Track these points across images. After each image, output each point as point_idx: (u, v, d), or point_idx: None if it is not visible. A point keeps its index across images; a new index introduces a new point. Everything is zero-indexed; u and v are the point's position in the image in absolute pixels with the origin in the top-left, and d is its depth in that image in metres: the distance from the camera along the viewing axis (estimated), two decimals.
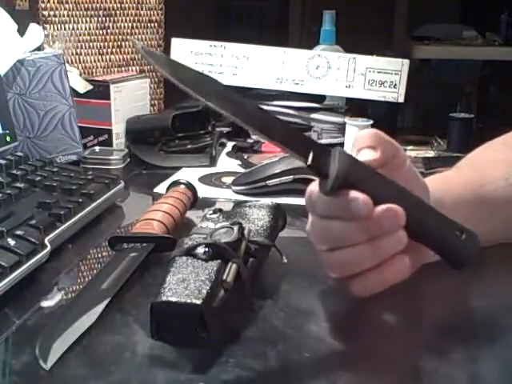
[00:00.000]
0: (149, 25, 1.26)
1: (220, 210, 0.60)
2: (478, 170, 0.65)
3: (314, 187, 0.51)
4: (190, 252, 0.50)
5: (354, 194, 0.48)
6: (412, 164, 0.54)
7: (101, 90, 1.07)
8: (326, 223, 0.51)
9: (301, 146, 0.49)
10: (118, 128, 1.07)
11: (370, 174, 0.50)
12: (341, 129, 1.15)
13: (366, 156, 0.51)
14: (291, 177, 0.85)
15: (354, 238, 0.50)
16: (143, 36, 1.26)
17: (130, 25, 1.24)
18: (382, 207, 0.49)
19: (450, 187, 0.61)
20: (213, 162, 1.02)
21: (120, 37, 1.23)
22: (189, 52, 1.19)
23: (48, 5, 1.12)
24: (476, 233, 0.54)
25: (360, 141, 0.52)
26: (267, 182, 0.86)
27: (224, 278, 0.48)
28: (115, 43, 1.22)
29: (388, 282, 0.52)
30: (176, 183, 0.75)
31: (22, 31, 0.97)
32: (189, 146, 1.05)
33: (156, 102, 1.29)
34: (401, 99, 1.16)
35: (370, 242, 0.50)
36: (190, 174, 0.95)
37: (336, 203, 0.50)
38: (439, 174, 0.65)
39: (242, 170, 0.95)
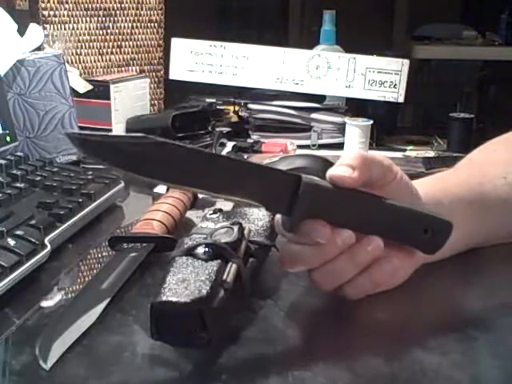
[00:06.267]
0: (149, 25, 1.26)
1: (220, 210, 0.60)
2: (477, 170, 0.65)
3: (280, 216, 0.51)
4: (190, 252, 0.50)
5: (312, 224, 0.49)
6: (404, 174, 0.54)
7: (101, 90, 1.07)
8: (295, 249, 0.51)
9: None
10: (118, 128, 1.07)
11: (332, 199, 0.50)
12: (341, 129, 1.15)
13: (340, 171, 0.50)
14: None
15: (323, 257, 0.51)
16: (143, 36, 1.26)
17: (130, 25, 1.24)
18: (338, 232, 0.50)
19: (447, 186, 0.61)
20: None
21: (120, 37, 1.23)
22: (189, 52, 1.19)
23: (48, 5, 1.12)
24: (451, 222, 0.53)
25: (343, 159, 0.51)
26: None
27: (224, 278, 0.48)
28: (115, 43, 1.22)
29: (378, 284, 0.53)
30: None
31: (22, 31, 0.97)
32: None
33: (156, 102, 1.29)
34: (401, 99, 1.16)
35: (345, 253, 0.50)
36: None
37: (298, 234, 0.50)
38: (437, 174, 0.64)
39: None
